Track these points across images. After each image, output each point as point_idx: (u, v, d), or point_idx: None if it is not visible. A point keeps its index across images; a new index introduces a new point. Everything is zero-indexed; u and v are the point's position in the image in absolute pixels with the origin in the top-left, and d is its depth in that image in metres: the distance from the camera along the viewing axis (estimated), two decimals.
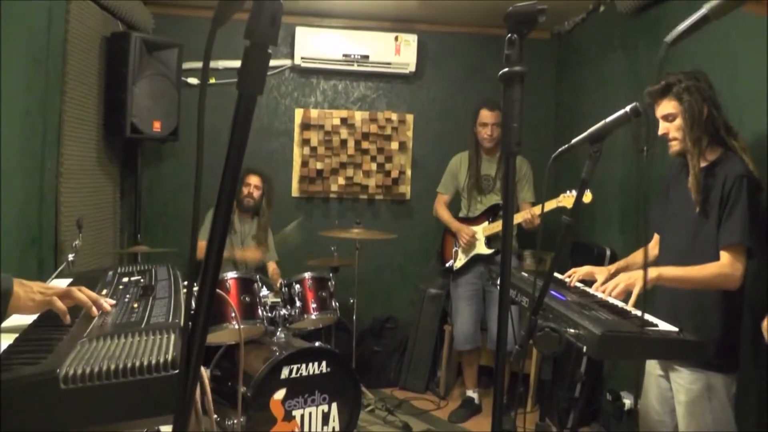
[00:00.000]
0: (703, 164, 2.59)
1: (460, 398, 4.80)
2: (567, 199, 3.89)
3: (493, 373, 1.39)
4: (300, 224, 4.66)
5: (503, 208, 1.38)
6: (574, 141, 2.00)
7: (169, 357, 1.18)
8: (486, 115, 4.43)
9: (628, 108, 1.95)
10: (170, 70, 4.56)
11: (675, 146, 2.63)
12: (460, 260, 4.53)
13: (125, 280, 2.00)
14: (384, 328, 5.24)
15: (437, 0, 4.79)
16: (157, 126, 4.46)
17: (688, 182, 2.60)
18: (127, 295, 1.77)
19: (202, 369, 1.82)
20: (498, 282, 2.77)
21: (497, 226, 4.33)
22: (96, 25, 4.15)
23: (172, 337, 1.32)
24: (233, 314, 3.48)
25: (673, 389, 2.63)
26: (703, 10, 0.64)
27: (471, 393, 4.71)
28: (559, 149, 2.03)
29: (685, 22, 1.05)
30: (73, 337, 1.35)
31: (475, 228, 4.47)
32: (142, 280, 1.97)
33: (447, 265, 4.62)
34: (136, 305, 1.63)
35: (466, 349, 4.62)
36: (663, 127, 2.65)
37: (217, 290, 2.95)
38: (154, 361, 1.16)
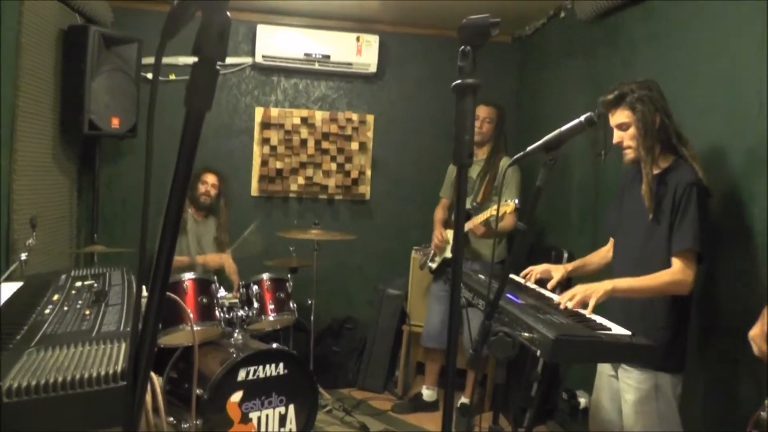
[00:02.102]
0: (655, 171, 2.67)
1: None
2: (502, 208, 3.95)
3: (446, 373, 1.41)
4: (257, 227, 4.61)
5: (455, 217, 1.40)
6: (529, 149, 2.03)
7: (119, 368, 1.17)
8: (481, 109, 4.45)
9: (582, 117, 1.99)
10: (129, 66, 4.48)
11: (629, 154, 2.70)
12: (435, 262, 4.58)
13: (78, 284, 1.97)
14: (343, 329, 5.25)
15: (399, 1, 4.79)
16: (115, 122, 4.38)
17: (641, 189, 2.66)
18: (80, 301, 1.74)
19: (154, 375, 1.80)
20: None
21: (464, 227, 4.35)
22: (52, 17, 4.06)
23: (123, 346, 1.31)
24: (189, 316, 3.44)
25: (621, 388, 2.69)
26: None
27: (425, 390, 4.76)
28: (515, 156, 2.06)
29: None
30: (20, 347, 1.33)
31: (448, 231, 4.51)
32: (95, 285, 1.95)
33: (426, 264, 4.68)
34: (87, 312, 1.61)
35: (428, 347, 4.66)
36: (617, 136, 2.71)
37: (169, 294, 2.93)
38: (102, 373, 1.15)
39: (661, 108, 2.65)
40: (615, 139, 2.73)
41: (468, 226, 4.20)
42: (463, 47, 1.36)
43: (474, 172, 4.47)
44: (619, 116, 2.69)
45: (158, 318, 0.93)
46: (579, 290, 2.50)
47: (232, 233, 4.81)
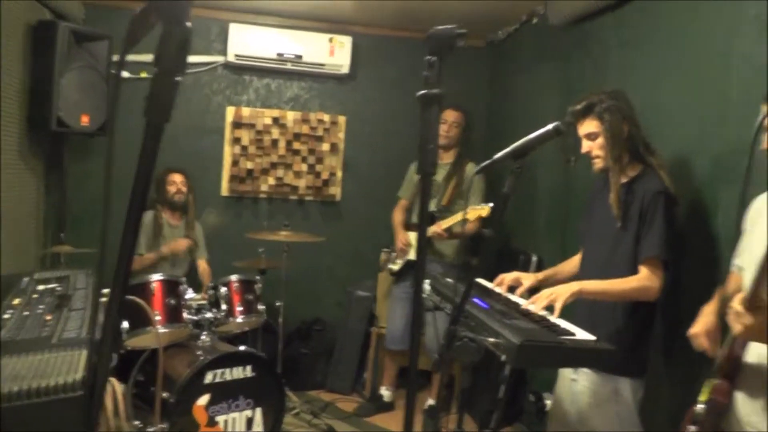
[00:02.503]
0: (623, 180, 2.71)
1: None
2: (472, 212, 3.97)
3: (405, 374, 1.42)
4: (211, 212, 4.58)
5: (419, 224, 1.41)
6: (496, 156, 2.04)
7: (78, 376, 1.15)
8: (448, 114, 4.47)
9: (550, 126, 2.01)
10: (101, 63, 4.41)
11: (598, 164, 2.74)
12: (397, 264, 4.59)
13: (41, 287, 1.94)
14: (312, 330, 5.23)
15: (372, 2, 4.79)
16: (85, 120, 4.31)
17: (609, 197, 2.70)
18: (41, 306, 1.72)
19: (115, 381, 1.79)
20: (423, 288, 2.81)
21: (428, 232, 4.36)
22: (20, 11, 3.98)
23: (84, 353, 1.29)
24: (156, 318, 3.41)
25: (581, 391, 2.73)
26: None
27: (384, 390, 4.79)
28: (482, 164, 2.08)
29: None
30: None
31: (411, 234, 4.52)
32: (58, 289, 1.92)
33: (387, 267, 4.69)
34: (49, 317, 1.59)
35: (393, 349, 4.69)
36: (586, 145, 2.75)
37: (133, 298, 2.91)
38: (61, 382, 1.13)
39: (629, 118, 2.69)
40: (583, 149, 2.77)
41: (433, 229, 4.23)
42: (428, 57, 1.37)
43: (440, 175, 4.49)
44: (588, 126, 2.73)
45: (117, 326, 0.93)
46: (545, 293, 2.53)
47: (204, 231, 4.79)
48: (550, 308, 2.48)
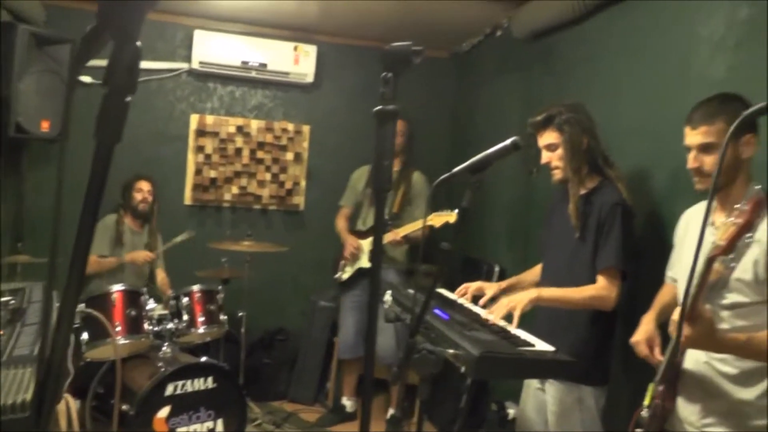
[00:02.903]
0: (582, 191, 2.76)
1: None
2: (436, 218, 3.98)
3: (363, 383, 1.43)
4: (191, 236, 4.53)
5: (374, 235, 1.42)
6: (455, 170, 2.05)
7: (27, 396, 1.13)
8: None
9: (509, 141, 2.02)
10: (62, 67, 4.33)
11: (557, 175, 2.79)
12: (346, 272, 4.60)
13: None
14: (275, 340, 5.20)
15: (338, 11, 4.79)
16: (45, 126, 4.22)
17: (568, 208, 2.75)
18: None
19: (70, 398, 1.76)
20: (384, 298, 2.82)
21: (384, 239, 4.38)
22: None
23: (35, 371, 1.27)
24: (117, 329, 3.37)
25: (546, 401, 2.77)
26: None
27: (346, 400, 4.78)
28: (440, 177, 2.09)
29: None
30: None
31: (362, 241, 4.53)
32: (12, 302, 1.88)
33: (335, 276, 4.67)
34: (1, 333, 1.56)
35: (346, 358, 4.70)
36: (545, 156, 2.79)
37: (89, 310, 2.86)
38: (9, 402, 1.11)
39: (588, 130, 2.74)
40: (543, 160, 2.81)
41: (390, 237, 4.26)
42: (384, 74, 1.38)
43: None
44: (548, 137, 2.78)
45: (67, 341, 0.91)
46: (504, 301, 2.56)
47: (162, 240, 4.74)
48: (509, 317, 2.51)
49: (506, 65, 4.71)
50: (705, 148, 2.11)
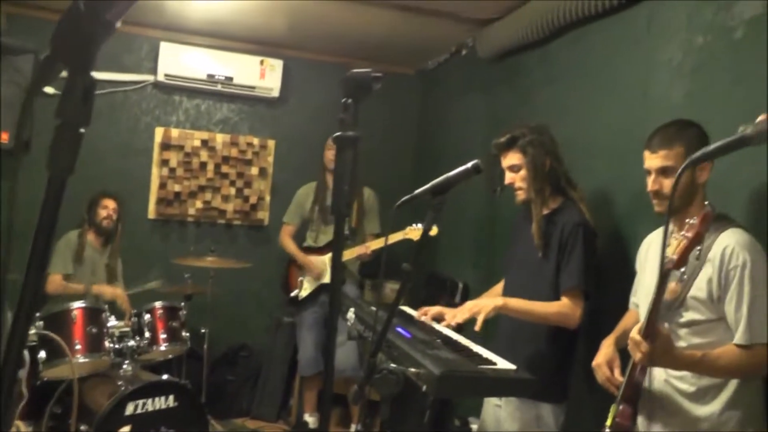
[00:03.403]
0: (545, 212, 2.81)
1: None
2: (413, 232, 3.99)
3: (322, 399, 1.44)
4: (162, 284, 4.47)
5: (333, 260, 1.43)
6: (416, 192, 2.07)
7: None
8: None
9: (470, 164, 2.04)
10: (24, 78, 4.26)
11: (520, 195, 2.83)
12: (306, 290, 4.60)
13: None
14: (238, 357, 5.16)
15: (304, 26, 4.80)
16: (4, 137, 4.15)
17: (531, 228, 2.79)
18: None
19: (21, 425, 1.73)
20: (347, 315, 2.82)
21: (345, 255, 4.38)
22: None
23: None
24: (76, 347, 3.32)
25: (504, 418, 2.79)
26: (743, 133, 0.60)
27: (308, 417, 4.77)
28: (402, 199, 2.10)
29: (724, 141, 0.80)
30: None
31: (323, 258, 4.53)
32: None
33: (292, 294, 4.67)
34: None
35: (307, 375, 4.70)
36: (509, 177, 2.84)
37: (46, 332, 2.81)
38: None
39: (551, 152, 2.79)
40: (507, 180, 2.86)
41: (360, 250, 4.27)
42: (345, 99, 1.39)
43: None
44: (511, 158, 2.82)
45: (16, 366, 0.90)
46: (469, 304, 2.60)
47: (127, 257, 4.67)
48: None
49: (471, 84, 4.76)
50: (664, 172, 2.17)
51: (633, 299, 2.53)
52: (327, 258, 4.52)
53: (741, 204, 2.35)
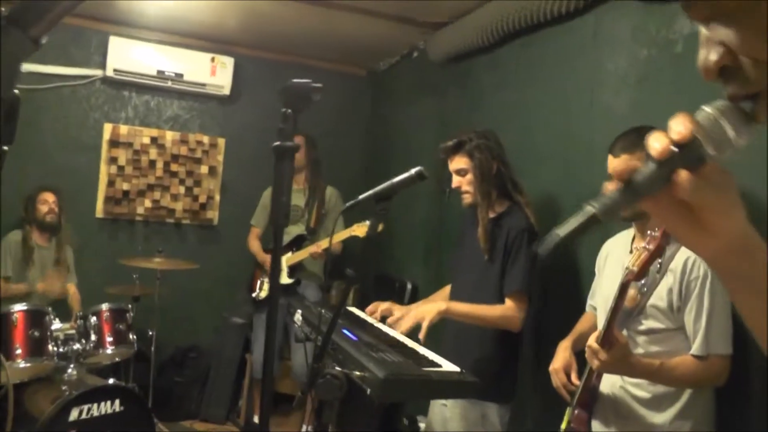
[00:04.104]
0: (491, 215, 2.85)
1: None
2: (360, 229, 3.96)
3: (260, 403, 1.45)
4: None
5: (270, 275, 1.43)
6: (360, 197, 2.07)
7: None
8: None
9: (413, 171, 2.05)
10: None
11: (467, 199, 2.87)
12: (265, 291, 4.57)
13: None
14: (187, 358, 5.10)
15: (256, 24, 4.77)
16: None
17: (478, 231, 2.83)
18: None
19: None
20: (294, 318, 2.83)
21: (299, 255, 4.38)
22: None
23: None
24: (17, 351, 3.24)
25: (450, 417, 2.83)
26: (591, 210, 0.62)
27: (257, 419, 4.72)
28: (347, 204, 2.11)
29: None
30: None
31: (282, 258, 4.50)
32: None
33: (253, 295, 4.64)
34: None
35: (260, 377, 4.66)
36: (456, 180, 2.87)
37: None
38: None
39: (498, 156, 2.84)
40: (454, 184, 2.89)
41: (313, 249, 4.26)
42: (284, 110, 1.39)
43: (299, 200, 4.57)
44: (458, 162, 2.85)
45: None
46: (413, 311, 2.62)
47: (74, 256, 4.59)
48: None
49: (421, 86, 4.79)
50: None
51: (590, 302, 2.58)
52: (285, 258, 4.49)
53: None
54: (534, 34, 3.44)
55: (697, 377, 2.03)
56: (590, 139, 2.91)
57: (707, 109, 0.66)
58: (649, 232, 1.89)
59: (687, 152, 0.66)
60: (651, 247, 1.85)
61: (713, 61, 0.67)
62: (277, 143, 1.35)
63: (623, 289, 1.91)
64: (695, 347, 2.01)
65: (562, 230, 0.69)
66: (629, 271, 1.88)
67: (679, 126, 0.66)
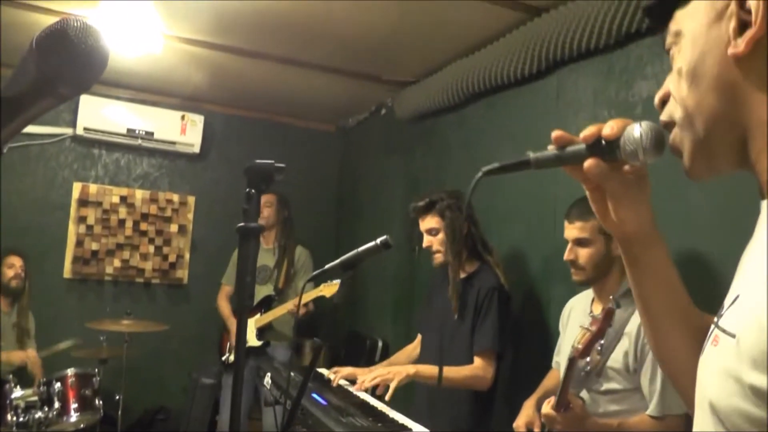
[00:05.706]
0: (462, 275, 2.87)
1: None
2: (327, 288, 3.95)
3: None
4: (78, 345, 4.31)
5: (235, 349, 1.43)
6: (327, 266, 2.09)
7: None
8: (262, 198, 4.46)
9: (378, 240, 2.08)
10: None
11: (438, 258, 2.90)
12: (233, 354, 4.48)
13: None
14: (155, 420, 4.98)
15: (226, 81, 4.81)
16: None
17: (448, 290, 2.86)
18: None
19: None
20: (264, 381, 2.80)
21: (268, 317, 4.32)
22: None
23: None
24: None
25: None
26: (528, 156, 0.89)
27: None
28: (315, 271, 2.13)
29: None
30: None
31: (250, 321, 4.45)
32: None
33: (222, 358, 4.55)
34: None
35: None
36: (427, 240, 2.90)
37: None
38: None
39: (469, 217, 2.87)
40: (425, 243, 2.92)
41: (288, 307, 4.21)
42: (248, 190, 1.41)
43: (268, 260, 4.52)
44: (429, 222, 2.89)
45: None
46: (382, 372, 2.62)
47: (41, 318, 4.50)
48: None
49: (389, 143, 4.85)
50: (580, 243, 2.29)
51: (556, 358, 2.62)
52: (253, 321, 4.43)
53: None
54: (499, 94, 3.51)
55: None
56: (554, 199, 2.97)
57: (640, 123, 0.82)
58: (598, 312, 1.96)
59: (607, 146, 0.85)
60: (594, 329, 1.91)
61: (659, 95, 0.87)
62: (241, 224, 1.36)
63: (571, 363, 1.96)
64: (651, 408, 2.06)
65: (502, 162, 0.92)
66: (574, 348, 1.94)
67: (611, 126, 0.85)
